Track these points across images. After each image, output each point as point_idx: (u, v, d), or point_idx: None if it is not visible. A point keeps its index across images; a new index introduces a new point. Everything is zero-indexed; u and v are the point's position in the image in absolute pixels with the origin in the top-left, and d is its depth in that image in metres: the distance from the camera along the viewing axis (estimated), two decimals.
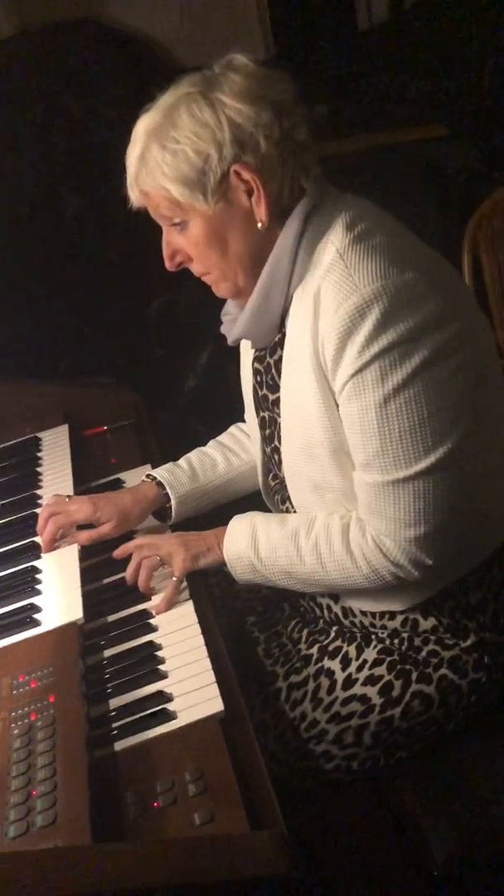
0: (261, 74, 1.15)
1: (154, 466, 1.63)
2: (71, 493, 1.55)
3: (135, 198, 1.21)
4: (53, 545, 1.41)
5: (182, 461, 1.51)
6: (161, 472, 1.47)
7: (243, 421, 1.51)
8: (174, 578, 1.29)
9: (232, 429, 1.57)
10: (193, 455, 1.52)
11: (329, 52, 2.84)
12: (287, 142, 1.15)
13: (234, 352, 1.42)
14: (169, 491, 1.44)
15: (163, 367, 2.58)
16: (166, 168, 1.13)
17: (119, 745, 1.05)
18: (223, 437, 1.56)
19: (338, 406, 1.15)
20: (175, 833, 0.92)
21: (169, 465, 1.49)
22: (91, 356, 2.52)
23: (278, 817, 0.95)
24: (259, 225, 1.16)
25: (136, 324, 2.57)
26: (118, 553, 1.37)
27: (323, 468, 1.20)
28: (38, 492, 1.62)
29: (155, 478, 1.46)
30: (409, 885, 1.22)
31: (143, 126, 1.17)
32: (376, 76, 2.75)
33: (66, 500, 1.44)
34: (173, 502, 1.44)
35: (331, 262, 1.13)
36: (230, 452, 1.52)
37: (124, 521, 1.41)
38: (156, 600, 1.29)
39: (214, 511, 1.52)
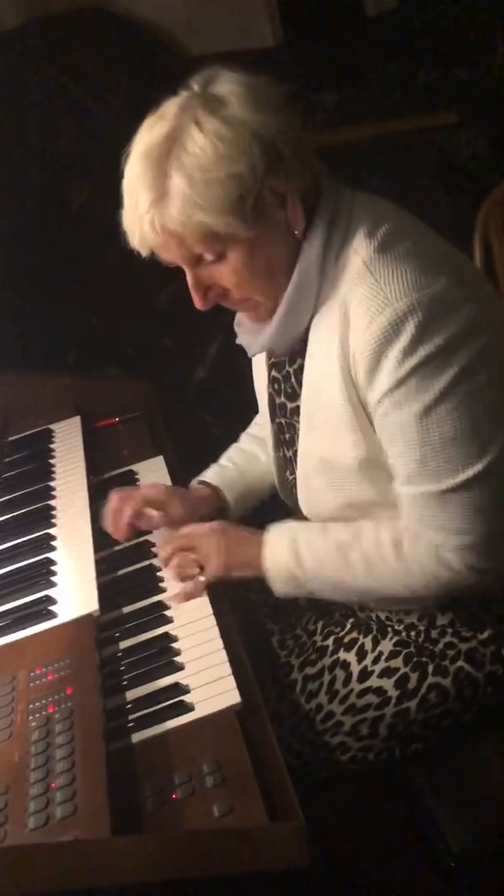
0: (254, 82, 1.10)
1: (166, 458, 1.63)
2: (83, 483, 1.55)
3: (149, 243, 1.10)
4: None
5: (225, 461, 1.48)
6: (212, 476, 1.45)
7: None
8: (201, 579, 1.27)
9: (258, 419, 1.51)
10: (233, 453, 1.49)
11: (337, 39, 2.82)
12: (300, 142, 1.11)
13: None
14: (226, 494, 1.43)
15: (172, 358, 2.58)
16: (201, 200, 1.04)
17: (136, 737, 1.05)
18: (254, 430, 1.53)
19: (370, 419, 1.13)
20: (194, 825, 0.92)
21: (216, 468, 1.47)
22: (100, 347, 2.51)
23: (297, 809, 0.95)
24: (296, 233, 1.12)
25: (145, 314, 2.56)
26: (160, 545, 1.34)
27: (345, 484, 1.18)
28: (52, 483, 1.62)
29: (208, 483, 1.44)
30: (424, 876, 1.22)
31: (144, 164, 1.06)
32: (385, 63, 2.72)
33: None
34: (231, 504, 1.42)
35: (358, 272, 1.10)
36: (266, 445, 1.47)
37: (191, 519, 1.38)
38: (171, 591, 1.28)
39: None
